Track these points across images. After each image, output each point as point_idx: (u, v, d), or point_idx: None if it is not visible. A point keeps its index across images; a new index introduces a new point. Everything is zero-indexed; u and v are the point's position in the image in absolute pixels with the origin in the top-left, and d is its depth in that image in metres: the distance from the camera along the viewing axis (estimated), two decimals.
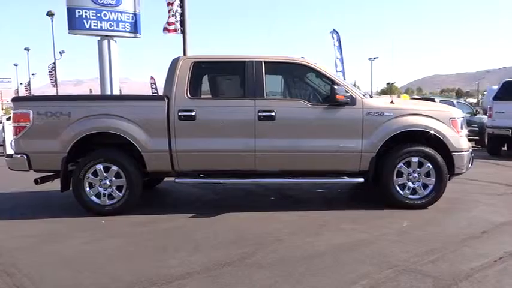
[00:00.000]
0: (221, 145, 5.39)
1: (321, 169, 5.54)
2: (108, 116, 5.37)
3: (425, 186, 5.48)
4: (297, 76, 5.83)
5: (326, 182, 5.74)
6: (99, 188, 5.42)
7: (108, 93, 14.17)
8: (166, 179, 6.84)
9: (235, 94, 5.53)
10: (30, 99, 5.95)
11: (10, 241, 4.45)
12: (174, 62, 5.59)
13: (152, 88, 39.94)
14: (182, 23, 15.52)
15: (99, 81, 14.75)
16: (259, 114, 5.34)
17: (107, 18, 14.27)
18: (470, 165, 5.70)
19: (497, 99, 11.32)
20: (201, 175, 5.63)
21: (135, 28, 14.96)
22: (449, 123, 5.51)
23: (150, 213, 5.45)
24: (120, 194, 5.42)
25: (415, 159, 5.44)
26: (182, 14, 15.47)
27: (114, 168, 5.39)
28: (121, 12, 14.53)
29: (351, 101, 5.37)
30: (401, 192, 5.46)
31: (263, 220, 5.09)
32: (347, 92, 5.36)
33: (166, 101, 5.39)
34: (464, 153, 5.53)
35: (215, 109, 5.45)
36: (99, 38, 14.56)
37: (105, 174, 5.40)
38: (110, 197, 5.44)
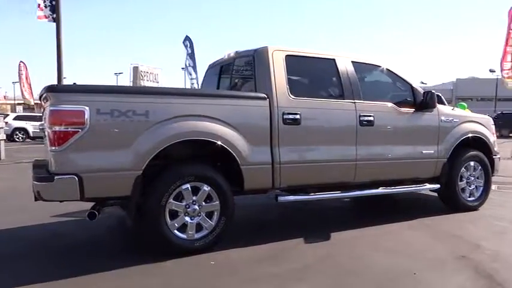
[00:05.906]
0: (326, 154, 4.60)
1: (404, 177, 5.31)
2: (201, 118, 3.94)
3: (476, 188, 5.86)
4: (379, 78, 5.45)
5: (410, 191, 5.53)
6: (185, 218, 3.92)
7: None
8: None
9: (332, 95, 4.80)
10: (85, 89, 3.81)
11: None
12: (263, 53, 4.48)
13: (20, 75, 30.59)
14: (54, 8, 12.78)
15: None
16: (361, 118, 4.78)
17: None
18: None
19: None
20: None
21: None
22: (491, 129, 6.04)
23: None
24: (212, 223, 4.03)
25: (472, 163, 5.75)
26: None
27: (206, 188, 3.98)
28: None
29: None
30: (463, 195, 5.71)
31: (384, 240, 4.56)
32: None
33: (268, 100, 4.30)
34: (498, 157, 6.14)
35: (320, 112, 4.59)
36: None
37: (193, 197, 3.95)
38: (198, 227, 4.00)
